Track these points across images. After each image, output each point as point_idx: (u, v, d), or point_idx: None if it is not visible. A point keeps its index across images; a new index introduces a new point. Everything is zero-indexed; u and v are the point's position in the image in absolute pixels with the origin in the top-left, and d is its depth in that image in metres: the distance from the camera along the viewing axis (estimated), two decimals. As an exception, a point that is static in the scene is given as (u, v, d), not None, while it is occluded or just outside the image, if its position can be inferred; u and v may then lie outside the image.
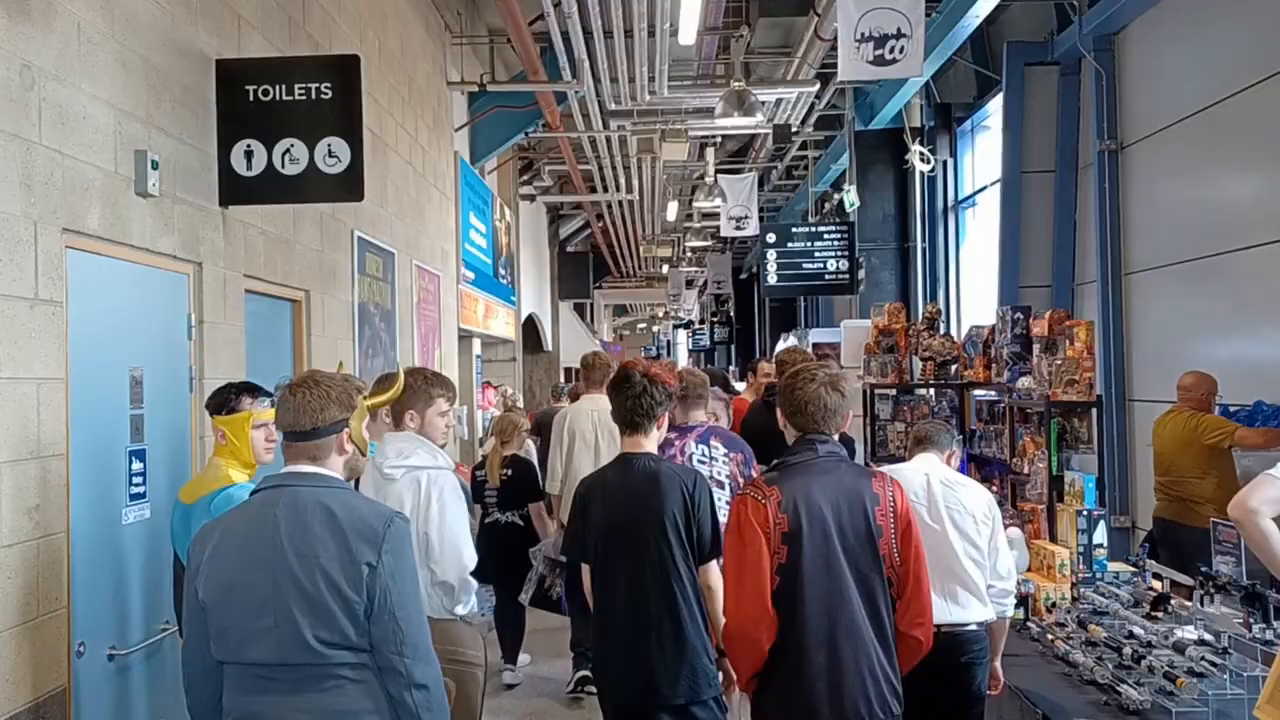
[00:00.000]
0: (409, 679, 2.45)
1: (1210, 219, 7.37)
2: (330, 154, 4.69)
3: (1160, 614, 4.20)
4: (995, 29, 10.47)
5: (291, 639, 2.41)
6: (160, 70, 4.29)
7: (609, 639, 3.59)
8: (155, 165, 4.09)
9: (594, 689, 4.50)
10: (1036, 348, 5.87)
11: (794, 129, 12.58)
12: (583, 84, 9.96)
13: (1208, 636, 3.78)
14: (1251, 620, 3.74)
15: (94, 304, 3.76)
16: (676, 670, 3.45)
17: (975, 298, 12.31)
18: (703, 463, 4.53)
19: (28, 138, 3.39)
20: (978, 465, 6.32)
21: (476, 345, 12.51)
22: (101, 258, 3.84)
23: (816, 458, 3.06)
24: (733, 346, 29.91)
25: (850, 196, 13.04)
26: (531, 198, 16.75)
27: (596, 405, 5.92)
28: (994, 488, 5.77)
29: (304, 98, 4.70)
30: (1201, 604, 4.03)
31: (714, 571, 3.51)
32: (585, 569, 3.70)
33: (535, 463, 7.22)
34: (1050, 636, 4.25)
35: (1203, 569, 4.13)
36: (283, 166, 4.70)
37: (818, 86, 10.73)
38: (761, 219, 16.57)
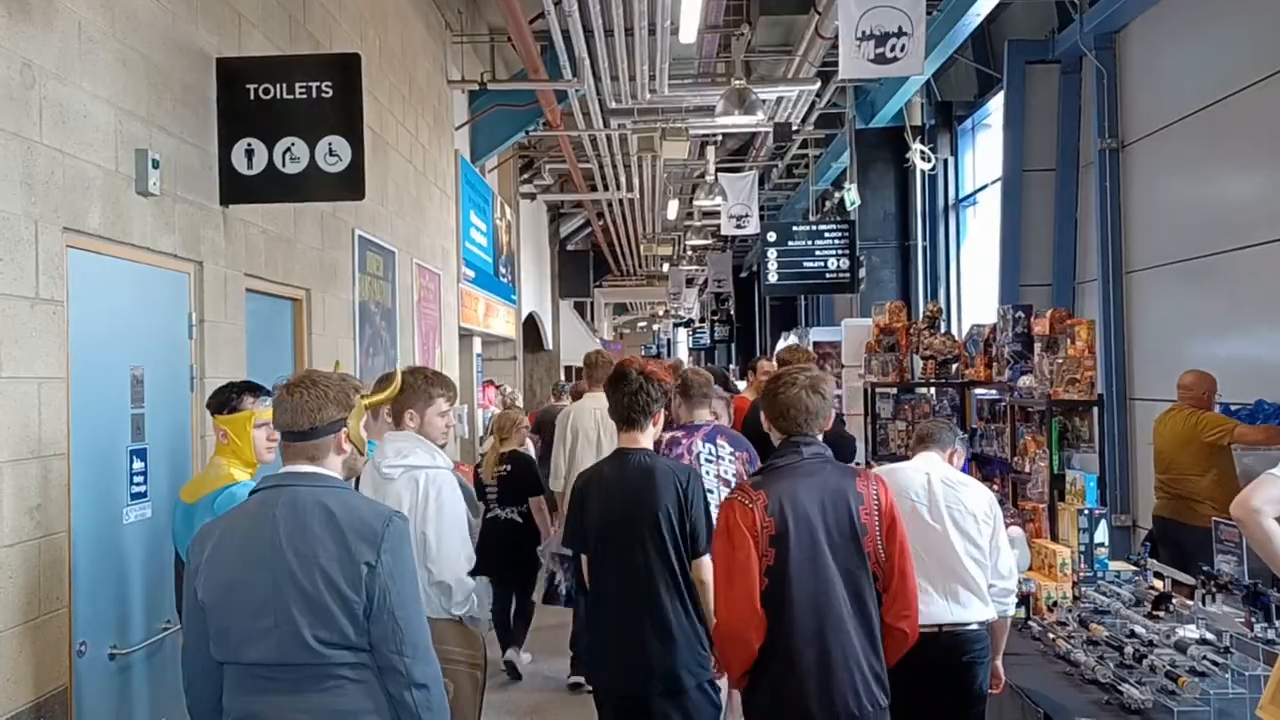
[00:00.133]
0: (409, 678, 2.45)
1: (1211, 218, 7.37)
2: (331, 153, 4.68)
3: (1162, 613, 4.19)
4: (996, 27, 10.47)
5: (291, 639, 2.41)
6: (161, 69, 4.28)
7: (605, 629, 3.66)
8: (156, 164, 4.09)
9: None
10: (1038, 346, 5.87)
11: (794, 127, 12.57)
12: (583, 82, 9.95)
13: (1209, 636, 3.78)
14: (1253, 620, 3.74)
15: (95, 303, 3.75)
16: (671, 658, 3.52)
17: (976, 296, 12.31)
18: (710, 461, 4.59)
19: (28, 137, 3.39)
20: (979, 464, 6.32)
21: (477, 344, 12.51)
22: (102, 257, 3.84)
23: (801, 460, 3.15)
24: (733, 345, 29.91)
25: (851, 195, 13.04)
26: (532, 196, 16.75)
27: (599, 403, 5.92)
28: (995, 487, 5.78)
29: (305, 96, 4.69)
30: (1203, 603, 4.02)
31: (706, 565, 3.56)
32: (584, 560, 3.78)
33: (535, 459, 7.23)
34: (1052, 635, 4.24)
35: (1204, 568, 4.13)
36: (283, 165, 4.69)
37: (818, 85, 10.72)
38: (762, 217, 16.56)
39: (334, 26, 6.51)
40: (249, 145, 4.69)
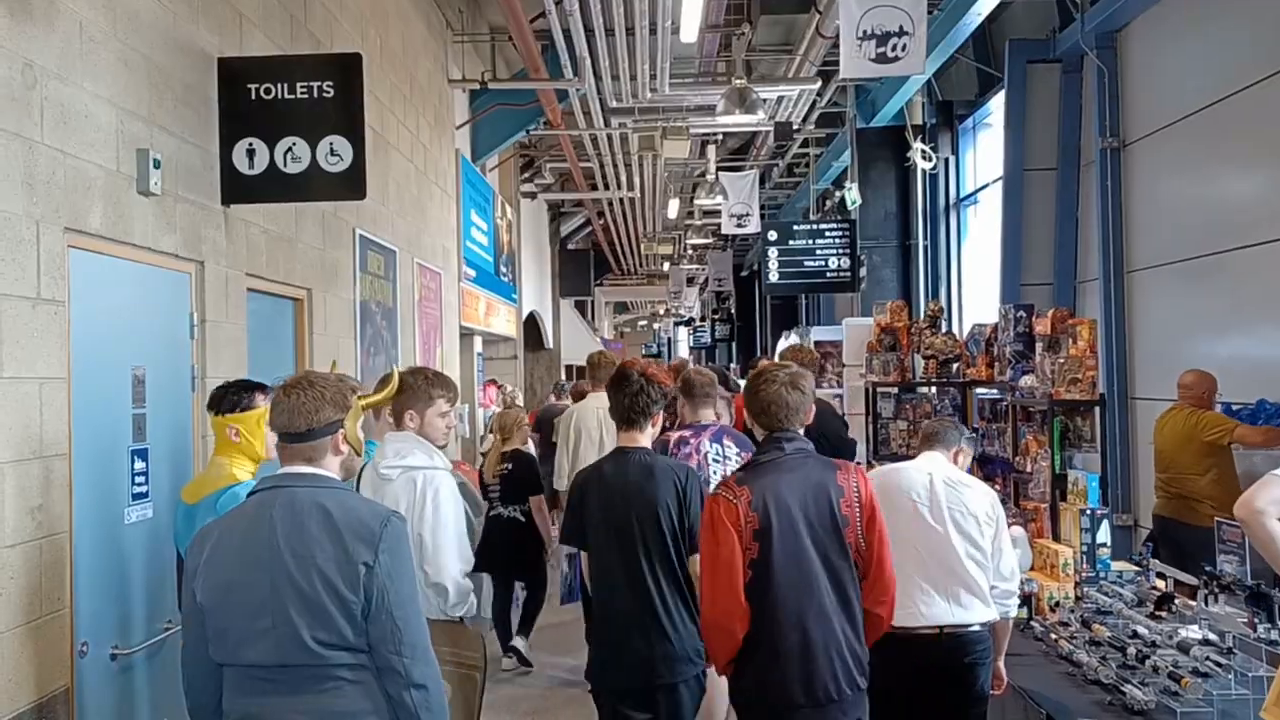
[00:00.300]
0: (407, 679, 2.45)
1: (1213, 217, 7.36)
2: (332, 152, 4.68)
3: (1164, 613, 4.19)
4: (997, 26, 10.45)
5: (289, 640, 2.41)
6: (162, 69, 4.28)
7: (606, 624, 3.72)
8: (157, 164, 4.09)
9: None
10: (1039, 346, 5.86)
11: (795, 126, 12.57)
12: (584, 81, 9.95)
13: (1212, 636, 3.77)
14: (1256, 620, 3.73)
15: (96, 303, 3.75)
16: (670, 652, 3.59)
17: (977, 295, 12.29)
18: (717, 461, 4.66)
19: (30, 137, 3.39)
20: (981, 464, 6.31)
21: (478, 343, 12.51)
22: (104, 257, 3.83)
23: (784, 455, 3.25)
24: (734, 344, 29.91)
25: (852, 194, 13.03)
26: (533, 195, 16.74)
27: (601, 403, 5.93)
28: (997, 486, 5.77)
29: (306, 96, 4.69)
30: (1206, 604, 4.01)
31: None
32: (584, 556, 3.84)
33: (536, 457, 7.24)
34: (1054, 636, 4.24)
35: (1207, 568, 4.12)
36: (285, 165, 4.69)
37: (819, 84, 10.71)
38: (763, 216, 16.55)
39: (335, 26, 6.50)
40: (250, 145, 4.69)
